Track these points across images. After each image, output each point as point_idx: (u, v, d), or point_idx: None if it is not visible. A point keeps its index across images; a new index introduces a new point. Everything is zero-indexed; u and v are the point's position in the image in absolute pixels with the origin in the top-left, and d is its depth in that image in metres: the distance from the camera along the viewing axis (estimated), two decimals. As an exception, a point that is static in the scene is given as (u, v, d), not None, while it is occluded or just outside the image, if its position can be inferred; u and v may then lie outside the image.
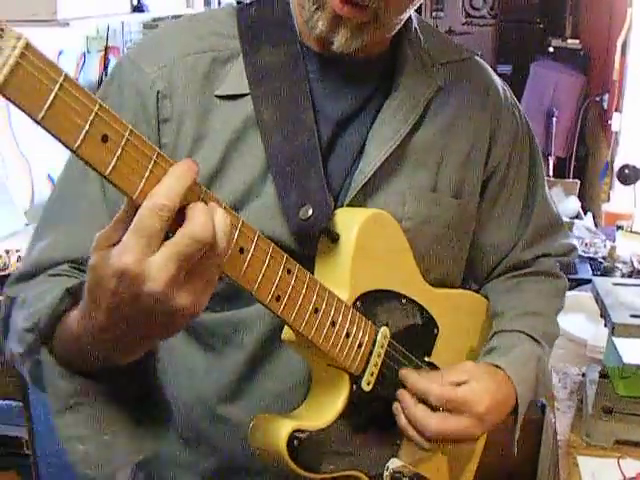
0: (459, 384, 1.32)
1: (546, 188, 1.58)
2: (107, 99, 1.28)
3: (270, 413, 1.26)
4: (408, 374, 1.33)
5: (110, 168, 0.85)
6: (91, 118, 0.83)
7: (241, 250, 1.02)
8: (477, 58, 1.48)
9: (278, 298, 1.10)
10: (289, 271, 1.11)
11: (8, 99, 0.78)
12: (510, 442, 1.46)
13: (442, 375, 1.34)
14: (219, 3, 5.03)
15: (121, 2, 3.69)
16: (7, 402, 3.13)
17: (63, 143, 0.83)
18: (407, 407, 1.31)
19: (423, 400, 1.30)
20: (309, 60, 1.30)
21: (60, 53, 3.65)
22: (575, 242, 1.68)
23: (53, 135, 0.82)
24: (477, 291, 1.60)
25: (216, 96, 1.27)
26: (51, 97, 0.80)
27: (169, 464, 1.44)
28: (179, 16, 1.61)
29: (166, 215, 0.85)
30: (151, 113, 1.26)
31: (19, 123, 3.24)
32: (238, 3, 1.37)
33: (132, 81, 1.27)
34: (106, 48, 4.03)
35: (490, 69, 1.50)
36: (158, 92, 1.25)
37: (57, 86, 0.80)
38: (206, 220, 0.88)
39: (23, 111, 0.80)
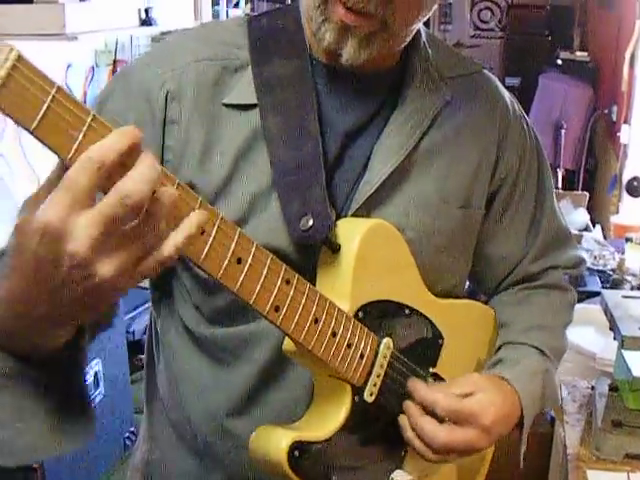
0: (465, 396, 1.32)
1: (554, 200, 1.57)
2: (113, 94, 1.29)
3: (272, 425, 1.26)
4: (415, 385, 1.32)
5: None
6: (84, 129, 0.82)
7: (239, 261, 1.02)
8: (485, 71, 1.47)
9: (277, 309, 1.09)
10: (288, 282, 1.10)
11: (1, 110, 0.78)
12: (517, 455, 1.45)
13: (449, 386, 1.34)
14: (227, 16, 5.05)
15: (129, 16, 3.71)
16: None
17: (57, 154, 0.82)
18: (414, 418, 1.30)
19: (429, 412, 1.30)
20: (318, 73, 1.30)
21: (68, 67, 3.66)
22: (583, 255, 1.67)
23: (47, 146, 0.82)
24: (486, 303, 1.59)
25: (224, 105, 1.27)
26: (43, 108, 0.80)
27: (174, 476, 1.44)
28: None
29: (95, 169, 0.79)
30: (157, 113, 1.25)
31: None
32: (262, 13, 1.38)
33: (141, 79, 1.27)
34: (114, 62, 4.04)
35: (498, 82, 1.49)
36: (167, 92, 1.25)
37: (49, 98, 0.80)
38: (142, 180, 0.82)
39: (16, 122, 0.80)
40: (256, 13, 1.39)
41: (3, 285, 0.89)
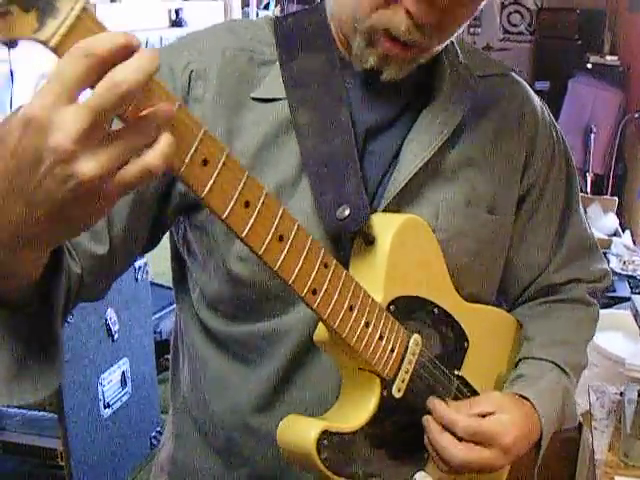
0: (485, 415, 1.31)
1: (581, 209, 1.56)
2: None
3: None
4: (436, 403, 1.31)
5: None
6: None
7: (280, 238, 1.01)
8: (514, 74, 1.47)
9: (314, 291, 1.08)
10: (326, 265, 1.10)
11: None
12: (546, 460, 1.45)
13: (470, 406, 1.33)
14: (257, 17, 5.06)
15: (160, 17, 3.73)
16: (42, 413, 3.15)
17: None
18: (432, 434, 1.30)
19: (449, 430, 1.29)
20: (345, 70, 1.30)
21: (99, 67, 3.68)
22: (613, 260, 1.66)
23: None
24: (508, 312, 1.58)
25: (252, 98, 1.27)
26: None
27: (199, 474, 1.45)
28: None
29: (82, 56, 0.74)
30: (179, 87, 1.24)
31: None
32: (289, 13, 1.39)
33: (166, 59, 1.26)
34: (144, 63, 4.06)
35: (527, 86, 1.48)
36: (192, 71, 1.25)
37: None
38: (137, 69, 0.76)
39: None
40: (282, 14, 1.40)
41: None
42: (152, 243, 1.34)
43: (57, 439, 3.04)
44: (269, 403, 1.33)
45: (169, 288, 1.49)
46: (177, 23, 3.80)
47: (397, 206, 1.28)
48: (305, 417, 1.22)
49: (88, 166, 0.76)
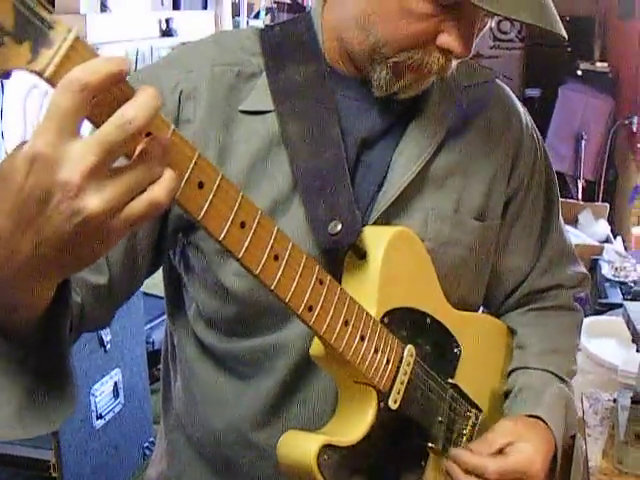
0: (505, 448, 1.33)
1: (560, 216, 1.58)
2: None
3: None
4: (458, 454, 1.33)
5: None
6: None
7: (276, 257, 1.02)
8: (498, 81, 1.47)
9: (310, 308, 1.09)
10: (321, 281, 1.10)
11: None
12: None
13: (489, 444, 1.34)
14: (247, 26, 5.07)
15: (150, 27, 3.73)
16: (35, 425, 3.13)
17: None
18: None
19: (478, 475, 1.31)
20: (334, 79, 1.30)
21: (89, 77, 3.68)
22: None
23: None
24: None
25: (240, 111, 1.26)
26: None
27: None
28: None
29: (77, 90, 0.74)
30: (170, 110, 1.24)
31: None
32: (274, 23, 1.38)
33: (155, 75, 1.26)
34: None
35: (511, 92, 1.49)
36: (181, 92, 1.24)
37: None
38: (145, 107, 0.77)
39: None
40: (268, 24, 1.40)
41: None
42: (155, 265, 1.34)
43: (50, 450, 3.03)
44: (269, 419, 1.33)
45: (161, 298, 1.48)
46: (167, 33, 3.80)
47: (387, 217, 1.28)
48: (304, 432, 1.23)
49: (95, 202, 0.76)
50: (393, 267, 1.24)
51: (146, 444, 3.52)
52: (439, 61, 1.19)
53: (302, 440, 1.20)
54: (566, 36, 1.13)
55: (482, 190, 1.38)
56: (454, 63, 1.22)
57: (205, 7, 4.52)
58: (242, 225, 0.96)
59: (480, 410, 1.42)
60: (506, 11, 1.09)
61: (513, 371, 1.50)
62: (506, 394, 1.50)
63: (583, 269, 1.64)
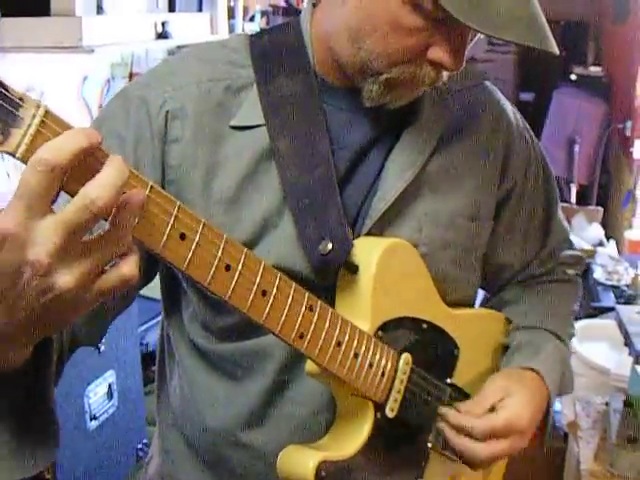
0: (495, 405, 1.35)
1: (560, 210, 1.60)
2: (112, 114, 1.27)
3: (296, 442, 1.26)
4: (447, 412, 1.35)
5: None
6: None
7: (263, 293, 1.04)
8: (487, 83, 1.48)
9: (302, 336, 1.11)
10: (311, 308, 1.12)
11: None
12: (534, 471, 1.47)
13: (478, 403, 1.36)
14: (243, 30, 5.07)
15: (146, 29, 3.73)
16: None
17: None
18: (451, 440, 1.34)
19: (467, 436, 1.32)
20: (324, 90, 1.30)
21: (85, 79, 3.68)
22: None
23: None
24: (489, 299, 1.63)
25: (230, 127, 1.26)
26: None
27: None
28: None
29: (46, 171, 0.75)
30: (157, 131, 1.24)
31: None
32: (262, 30, 1.38)
33: (141, 97, 1.26)
34: (130, 74, 4.07)
35: (499, 93, 1.50)
36: (167, 112, 1.24)
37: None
38: (109, 184, 0.78)
39: None
40: (256, 31, 1.39)
41: None
42: (148, 278, 1.34)
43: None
44: (260, 419, 1.34)
45: (155, 300, 1.48)
46: (163, 35, 3.79)
47: (382, 224, 1.29)
48: (303, 447, 1.24)
49: (65, 279, 0.79)
50: (386, 279, 1.26)
51: (140, 445, 3.52)
52: (430, 74, 1.19)
53: (300, 456, 1.22)
54: (557, 52, 1.12)
55: (474, 192, 1.39)
56: (445, 75, 1.22)
57: (200, 10, 4.51)
58: (227, 268, 0.97)
59: None
60: (494, 30, 1.08)
61: (513, 332, 1.53)
62: (504, 349, 1.53)
63: (577, 252, 1.67)
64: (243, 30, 5.06)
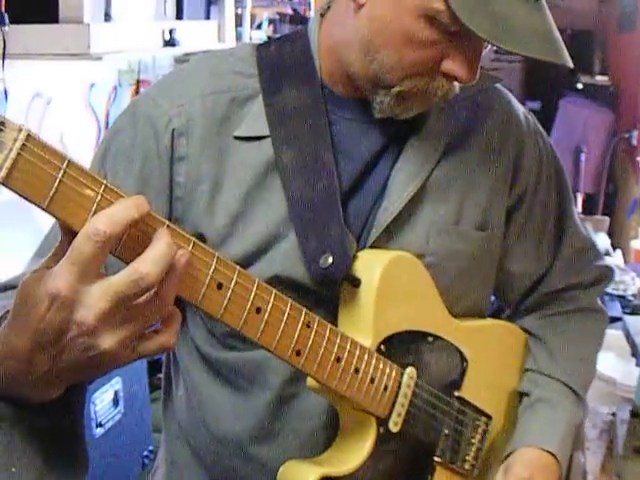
0: None
1: (575, 213, 1.57)
2: (120, 132, 1.29)
3: (299, 458, 1.26)
4: None
5: None
6: (98, 200, 0.85)
7: (258, 310, 1.04)
8: (498, 86, 1.47)
9: (298, 353, 1.12)
10: (308, 325, 1.12)
11: (13, 190, 0.80)
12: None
13: (512, 473, 1.39)
14: (250, 38, 5.07)
15: (153, 37, 3.73)
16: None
17: (71, 227, 0.85)
18: None
19: None
20: (331, 101, 1.30)
21: (92, 86, 3.68)
22: (608, 263, 1.66)
23: (60, 220, 0.85)
24: (510, 318, 1.60)
25: (235, 137, 1.26)
26: (55, 184, 0.82)
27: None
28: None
29: (101, 241, 0.81)
30: (163, 149, 1.25)
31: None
32: (269, 38, 1.38)
33: (148, 114, 1.27)
34: (138, 82, 4.07)
35: (512, 97, 1.48)
36: (174, 130, 1.25)
37: (61, 173, 0.82)
38: (158, 262, 0.84)
39: (28, 200, 0.82)
40: (264, 41, 1.40)
41: (7, 345, 0.88)
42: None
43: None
44: (267, 433, 1.33)
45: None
46: (170, 43, 3.79)
47: (388, 234, 1.29)
48: (303, 463, 1.24)
49: (107, 341, 0.84)
50: (389, 293, 1.25)
51: (145, 453, 3.51)
52: (444, 86, 1.19)
53: (300, 472, 1.22)
54: (572, 65, 1.14)
55: (483, 200, 1.38)
56: (457, 86, 1.22)
57: (208, 17, 4.52)
58: (219, 286, 0.98)
59: (490, 417, 1.43)
60: (515, 46, 1.09)
61: (530, 371, 1.52)
62: (520, 395, 1.51)
63: (604, 262, 1.62)
64: (250, 38, 5.07)
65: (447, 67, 1.17)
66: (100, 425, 3.16)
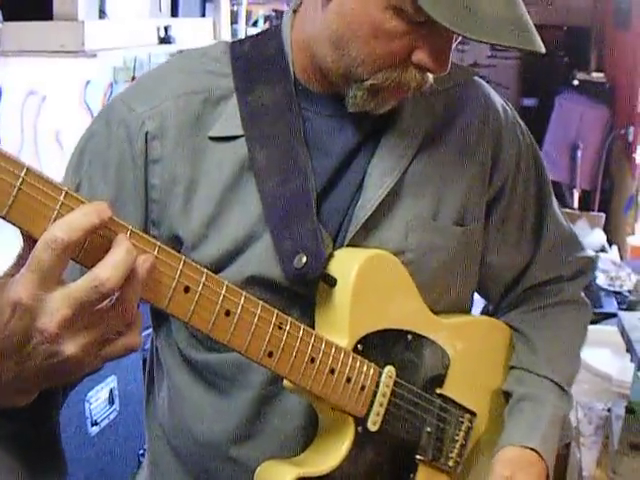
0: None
1: (555, 204, 1.55)
2: (94, 137, 1.28)
3: (276, 457, 1.26)
4: None
5: None
6: (57, 208, 0.84)
7: (227, 313, 1.04)
8: (476, 78, 1.45)
9: (270, 354, 1.12)
10: (280, 327, 1.12)
11: None
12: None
13: (494, 472, 1.38)
14: (246, 34, 5.06)
15: (148, 34, 3.73)
16: (29, 431, 3.11)
17: (31, 236, 0.85)
18: None
19: None
20: (305, 98, 1.29)
21: (87, 83, 3.68)
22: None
23: (20, 228, 0.85)
24: (493, 314, 1.59)
25: (209, 138, 1.26)
26: (14, 193, 0.82)
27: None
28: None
29: (59, 248, 0.81)
30: (138, 153, 1.24)
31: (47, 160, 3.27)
32: (245, 37, 1.37)
33: (121, 118, 1.26)
34: (133, 79, 4.06)
35: (490, 89, 1.47)
36: (147, 133, 1.24)
37: (19, 181, 0.82)
38: (117, 267, 0.85)
39: None
40: (238, 38, 1.39)
41: None
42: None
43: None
44: (247, 434, 1.33)
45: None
46: (165, 40, 3.79)
47: (366, 231, 1.28)
48: (279, 464, 1.24)
49: (70, 348, 0.85)
50: (366, 292, 1.25)
51: (141, 451, 3.50)
52: (416, 78, 1.18)
53: (277, 472, 1.22)
54: (544, 51, 1.11)
55: (461, 194, 1.37)
56: (431, 77, 1.21)
57: (203, 14, 4.52)
58: (186, 290, 0.98)
59: (474, 414, 1.42)
60: (479, 34, 1.08)
61: (515, 368, 1.50)
62: (506, 393, 1.50)
63: (586, 253, 1.61)
64: (246, 34, 5.06)
65: (417, 58, 1.16)
66: (95, 423, 3.16)
